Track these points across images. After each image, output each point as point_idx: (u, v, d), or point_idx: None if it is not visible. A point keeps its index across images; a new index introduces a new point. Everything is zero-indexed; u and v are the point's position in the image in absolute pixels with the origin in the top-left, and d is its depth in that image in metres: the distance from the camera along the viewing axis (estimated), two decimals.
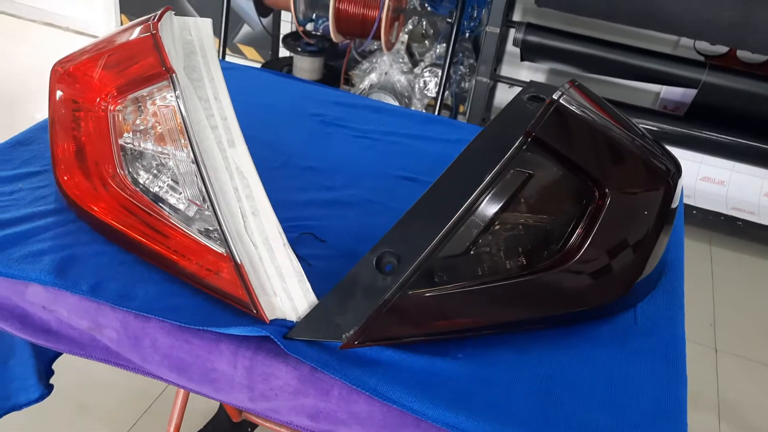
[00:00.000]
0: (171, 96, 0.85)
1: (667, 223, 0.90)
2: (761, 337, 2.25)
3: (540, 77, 2.99)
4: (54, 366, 1.31)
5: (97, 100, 0.89)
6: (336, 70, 2.90)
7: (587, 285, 0.84)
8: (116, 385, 1.80)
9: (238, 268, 0.79)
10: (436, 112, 2.44)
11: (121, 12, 3.39)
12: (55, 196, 0.97)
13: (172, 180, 0.85)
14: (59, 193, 0.96)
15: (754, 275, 2.55)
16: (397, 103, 2.65)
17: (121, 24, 3.40)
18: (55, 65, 0.95)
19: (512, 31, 2.67)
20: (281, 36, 2.98)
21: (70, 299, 0.84)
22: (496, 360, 0.80)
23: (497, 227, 0.80)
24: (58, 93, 0.94)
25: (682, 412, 0.78)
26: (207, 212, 0.82)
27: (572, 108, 0.82)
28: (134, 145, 0.89)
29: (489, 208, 0.79)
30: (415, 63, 2.77)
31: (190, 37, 0.93)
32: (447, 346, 0.81)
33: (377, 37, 2.32)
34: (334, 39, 2.41)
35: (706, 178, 2.64)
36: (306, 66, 2.73)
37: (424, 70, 2.64)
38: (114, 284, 0.84)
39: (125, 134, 0.89)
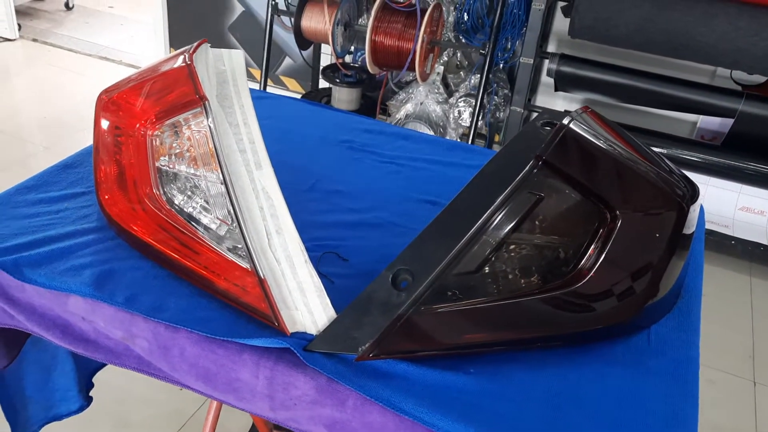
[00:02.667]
0: (204, 122, 0.91)
1: (680, 247, 0.91)
2: None
3: (575, 107, 3.00)
4: (94, 380, 1.38)
5: (137, 125, 0.96)
6: (373, 101, 2.98)
7: (598, 305, 0.86)
8: (152, 402, 1.86)
9: (262, 283, 0.84)
10: (470, 142, 2.48)
11: (171, 46, 3.54)
12: (97, 215, 1.04)
13: (203, 200, 0.91)
14: (101, 212, 1.03)
15: None
16: (432, 133, 2.70)
17: None
18: (100, 94, 1.02)
19: (546, 61, 2.70)
20: (321, 68, 3.08)
21: (106, 310, 0.90)
22: (508, 376, 0.83)
23: (509, 247, 0.83)
24: (103, 120, 1.01)
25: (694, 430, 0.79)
26: (235, 230, 0.87)
27: (582, 132, 0.85)
28: (170, 168, 0.95)
29: (500, 227, 0.82)
30: (450, 93, 2.82)
31: (223, 67, 1.00)
32: (459, 361, 0.83)
33: (412, 68, 2.38)
34: (370, 70, 2.48)
35: (746, 208, 2.60)
36: (344, 96, 2.81)
37: (459, 100, 2.69)
38: (147, 297, 0.90)
39: (162, 157, 0.96)
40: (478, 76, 2.72)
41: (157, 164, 0.96)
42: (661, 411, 0.81)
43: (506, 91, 2.83)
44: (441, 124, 2.73)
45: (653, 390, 0.83)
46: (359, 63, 2.85)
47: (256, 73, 3.43)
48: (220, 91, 0.96)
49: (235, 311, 0.88)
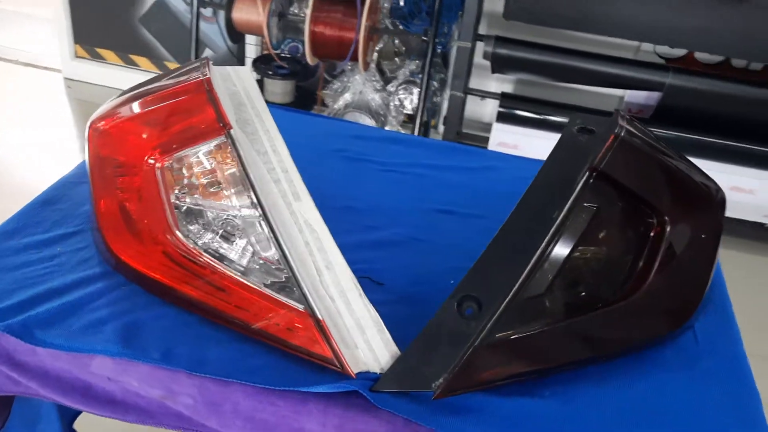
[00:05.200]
0: (229, 152, 0.83)
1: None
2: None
3: (507, 87, 3.04)
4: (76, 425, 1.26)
5: (145, 158, 0.86)
6: (306, 92, 2.88)
7: (657, 312, 0.86)
8: None
9: (320, 324, 0.78)
10: (416, 129, 2.45)
11: (76, 42, 3.28)
12: (97, 258, 0.94)
13: (238, 237, 0.83)
14: (103, 254, 0.93)
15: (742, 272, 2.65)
16: (373, 122, 2.65)
17: (76, 55, 3.29)
18: (91, 124, 0.91)
19: (479, 44, 2.70)
20: (249, 59, 2.95)
21: (141, 368, 0.81)
22: (580, 395, 0.81)
23: (572, 264, 0.81)
24: (99, 153, 0.90)
25: (764, 427, 0.80)
26: (281, 269, 0.80)
27: (632, 140, 0.84)
28: (189, 204, 0.86)
29: (563, 246, 0.80)
30: (386, 81, 2.78)
31: (234, 87, 0.91)
32: (531, 386, 0.81)
33: (354, 58, 2.32)
34: (309, 62, 2.39)
35: None
36: (278, 89, 2.70)
37: (399, 87, 2.65)
38: (184, 349, 0.81)
39: (177, 191, 0.87)
40: (416, 62, 2.69)
41: (173, 200, 0.87)
42: (730, 413, 0.82)
43: (442, 76, 2.82)
44: (381, 112, 2.68)
45: (715, 392, 0.84)
46: (285, 52, 2.75)
47: (175, 67, 3.25)
48: (239, 116, 0.88)
49: (285, 355, 0.81)
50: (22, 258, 0.92)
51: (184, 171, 0.87)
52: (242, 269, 0.83)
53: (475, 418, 0.76)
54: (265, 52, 3.02)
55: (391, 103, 2.69)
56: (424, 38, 2.37)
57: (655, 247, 0.85)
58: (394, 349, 0.81)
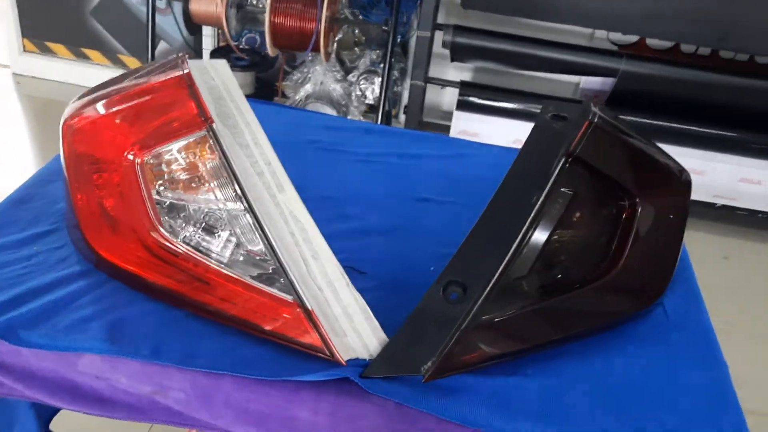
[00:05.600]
0: (211, 146, 0.83)
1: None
2: None
3: (466, 75, 3.07)
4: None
5: (124, 154, 0.86)
6: (266, 83, 2.87)
7: (631, 290, 0.90)
8: None
9: (309, 314, 0.79)
10: (379, 118, 2.47)
11: (24, 36, 3.18)
12: (76, 257, 0.93)
13: (221, 230, 0.84)
14: (83, 252, 0.92)
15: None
16: (335, 112, 2.65)
17: (24, 50, 3.20)
18: (65, 121, 0.90)
19: (438, 33, 2.73)
20: (206, 51, 2.91)
21: (130, 365, 0.81)
22: (561, 371, 0.84)
23: (552, 246, 0.84)
24: (74, 150, 0.89)
25: (733, 397, 0.84)
26: (267, 261, 0.81)
27: (605, 126, 0.87)
28: (171, 198, 0.86)
29: (543, 230, 0.83)
30: (346, 71, 2.78)
31: (213, 81, 0.91)
32: (515, 365, 0.84)
33: (316, 48, 2.31)
34: (270, 53, 2.38)
35: None
36: (237, 81, 2.67)
37: (360, 77, 2.65)
38: (174, 343, 0.82)
39: (157, 187, 0.86)
40: (376, 52, 2.70)
41: (154, 196, 0.86)
42: (701, 380, 0.86)
43: (402, 65, 2.83)
44: (343, 102, 2.68)
45: (686, 362, 0.89)
46: (243, 44, 2.73)
47: (130, 61, 3.18)
48: (219, 109, 0.88)
49: (275, 346, 0.82)
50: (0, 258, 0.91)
51: (165, 166, 0.87)
52: (227, 262, 0.84)
53: (464, 399, 0.79)
54: (223, 43, 2.99)
55: (353, 93, 2.70)
56: (385, 28, 2.38)
57: (627, 228, 0.89)
58: (382, 336, 0.83)
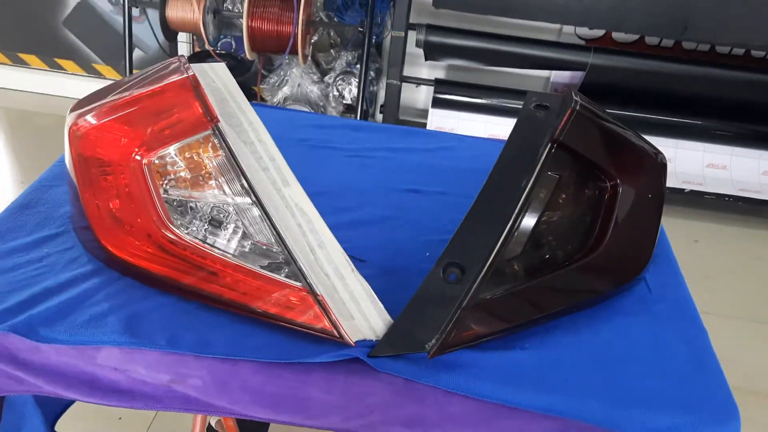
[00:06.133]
0: (217, 145, 0.87)
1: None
2: None
3: (439, 73, 3.13)
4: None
5: (131, 155, 0.89)
6: (244, 87, 2.89)
7: (615, 266, 0.96)
8: None
9: (318, 299, 0.84)
10: (358, 117, 2.51)
11: None
12: (87, 257, 0.96)
13: (229, 224, 0.88)
14: (94, 251, 0.95)
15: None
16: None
17: None
18: (70, 128, 0.93)
19: (411, 33, 2.78)
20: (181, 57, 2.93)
21: (148, 356, 0.84)
22: (556, 344, 0.90)
23: (542, 227, 0.90)
24: (81, 154, 0.92)
25: (714, 361, 0.91)
26: (276, 251, 0.86)
27: (586, 113, 0.93)
28: (179, 196, 0.90)
29: (533, 212, 0.89)
30: (322, 72, 2.82)
31: (214, 83, 0.95)
32: (511, 340, 0.89)
33: (294, 51, 2.36)
34: (248, 57, 2.42)
35: None
36: None
37: (337, 78, 2.70)
38: (189, 334, 0.85)
39: (166, 186, 0.90)
40: (352, 53, 2.74)
41: (162, 195, 0.90)
42: (684, 348, 0.92)
43: (377, 65, 2.88)
44: (320, 103, 2.73)
45: (669, 331, 0.95)
46: (219, 49, 2.75)
47: (104, 70, 3.19)
48: (223, 109, 0.92)
49: (286, 332, 0.86)
50: (10, 261, 0.94)
51: (171, 165, 0.91)
52: (236, 254, 0.88)
53: (468, 372, 0.84)
54: (197, 50, 3.01)
55: (330, 94, 2.74)
56: (361, 29, 2.43)
57: (609, 208, 0.95)
58: (387, 317, 0.87)
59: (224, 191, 0.88)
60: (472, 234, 0.89)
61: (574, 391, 0.83)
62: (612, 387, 0.84)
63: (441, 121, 2.85)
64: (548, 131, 0.92)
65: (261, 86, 2.89)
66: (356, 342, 0.85)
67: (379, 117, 3.06)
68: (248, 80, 2.89)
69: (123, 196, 0.91)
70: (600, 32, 3.01)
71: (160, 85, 0.90)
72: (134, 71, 3.23)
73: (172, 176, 0.91)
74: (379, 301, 0.88)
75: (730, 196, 2.79)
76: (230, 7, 2.53)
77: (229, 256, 0.87)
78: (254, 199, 0.85)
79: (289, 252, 0.84)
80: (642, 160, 1.00)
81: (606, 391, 0.83)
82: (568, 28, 3.00)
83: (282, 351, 0.84)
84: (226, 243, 0.88)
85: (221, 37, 2.68)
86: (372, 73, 2.82)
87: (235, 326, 0.87)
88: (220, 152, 0.87)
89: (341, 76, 2.72)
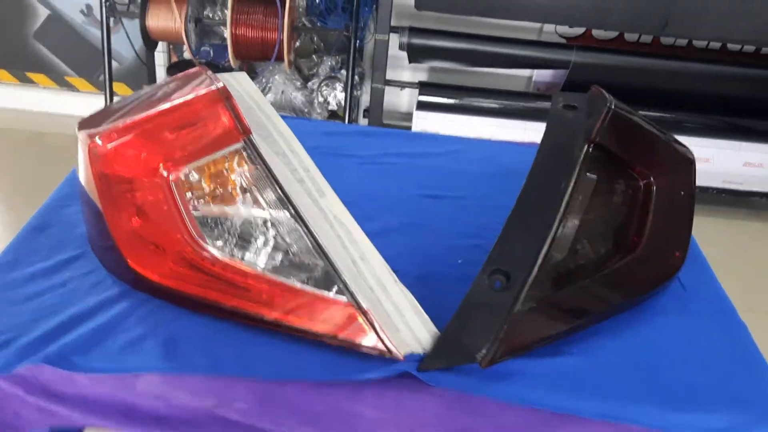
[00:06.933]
0: (250, 157, 0.84)
1: None
2: None
3: (421, 76, 3.12)
4: None
5: (157, 171, 0.86)
6: None
7: (655, 264, 0.95)
8: None
9: (365, 314, 0.81)
10: (347, 122, 2.49)
11: None
12: (111, 279, 0.92)
13: (265, 239, 0.85)
14: (119, 273, 0.91)
15: None
16: None
17: None
18: (89, 144, 0.89)
19: (393, 36, 2.76)
20: (160, 68, 2.87)
21: (190, 381, 0.81)
22: (600, 349, 0.89)
23: (583, 229, 0.89)
24: (103, 172, 0.88)
25: (759, 357, 0.91)
26: (318, 265, 0.83)
27: (620, 113, 0.92)
28: (211, 212, 0.87)
29: (575, 214, 0.87)
30: (305, 78, 2.79)
31: (238, 93, 0.92)
32: (558, 345, 0.88)
33: (279, 57, 2.32)
34: (233, 64, 2.37)
35: None
36: None
37: (321, 84, 2.67)
38: (231, 355, 0.82)
39: (196, 201, 0.87)
40: (335, 58, 2.72)
41: (192, 211, 0.87)
42: (725, 343, 0.92)
43: (360, 69, 2.86)
44: (305, 110, 2.69)
45: (710, 330, 0.94)
46: (198, 58, 2.70)
47: (78, 82, 3.10)
48: (251, 120, 0.88)
49: (331, 348, 0.83)
50: (32, 288, 0.89)
51: (201, 180, 0.87)
52: (275, 270, 0.85)
53: (520, 381, 0.82)
54: (175, 60, 2.95)
55: (315, 100, 2.71)
56: (346, 33, 2.40)
57: (645, 206, 0.94)
58: (432, 328, 0.85)
59: (259, 205, 0.85)
60: (515, 240, 0.87)
61: (629, 396, 0.82)
62: (664, 389, 0.83)
63: (426, 123, 2.83)
64: (583, 131, 0.91)
65: None
66: (404, 355, 0.83)
67: (363, 121, 3.03)
68: None
69: (150, 215, 0.87)
70: (580, 30, 3.02)
71: (186, 97, 0.87)
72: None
73: (202, 191, 0.87)
74: (423, 312, 0.86)
75: (714, 189, 2.83)
76: (210, 15, 2.48)
77: (267, 272, 0.84)
78: (293, 212, 0.82)
79: (333, 266, 0.81)
80: (672, 156, 0.99)
81: (659, 393, 0.82)
82: (549, 27, 3.01)
83: (330, 369, 0.81)
84: (262, 259, 0.85)
85: (213, 46, 2.62)
86: (356, 78, 2.79)
87: (278, 345, 0.84)
88: (254, 165, 0.84)
89: (326, 82, 2.69)
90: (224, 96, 0.83)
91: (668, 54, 2.96)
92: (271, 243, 0.85)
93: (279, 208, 0.83)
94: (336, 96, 2.69)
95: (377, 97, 2.75)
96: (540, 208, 0.88)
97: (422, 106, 2.83)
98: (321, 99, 2.70)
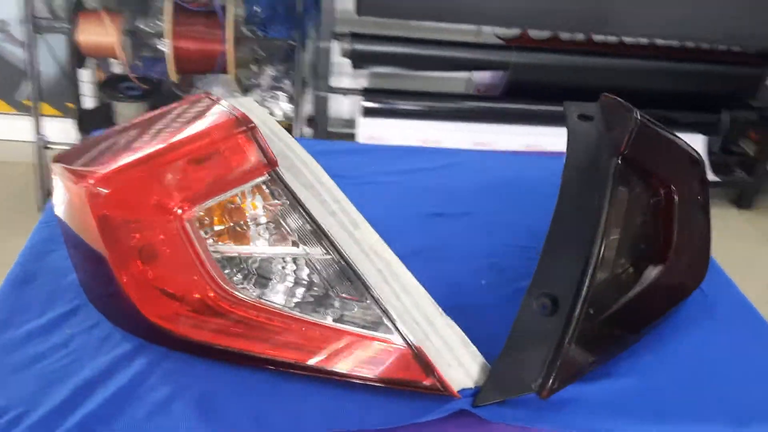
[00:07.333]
0: (277, 191, 0.77)
1: None
2: None
3: (362, 82, 3.07)
4: None
5: (170, 211, 0.77)
6: None
7: (685, 272, 0.95)
8: None
9: (416, 353, 0.76)
10: (293, 133, 2.41)
11: None
12: (120, 333, 0.83)
13: (302, 279, 0.78)
14: (129, 326, 0.82)
15: None
16: None
17: None
18: (86, 184, 0.79)
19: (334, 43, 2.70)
20: (87, 84, 2.69)
21: None
22: (648, 367, 0.87)
23: (621, 245, 0.87)
24: (105, 215, 0.79)
25: None
26: (364, 304, 0.77)
27: (645, 124, 0.91)
28: (236, 252, 0.79)
29: (614, 231, 0.85)
30: (245, 90, 2.69)
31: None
32: (604, 368, 0.85)
33: (224, 69, 2.22)
34: (173, 79, 2.25)
35: (534, 146, 2.94)
36: (132, 112, 2.50)
37: (266, 95, 2.57)
38: (276, 410, 0.75)
39: (217, 242, 0.79)
40: (278, 68, 2.63)
41: (212, 252, 0.79)
42: (759, 342, 0.92)
43: (302, 78, 2.78)
44: None
45: (742, 336, 0.94)
46: (149, 73, 2.56)
47: None
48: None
49: (379, 391, 0.78)
50: (30, 351, 0.79)
51: (221, 218, 0.80)
52: (313, 311, 0.78)
53: (578, 409, 0.79)
54: (103, 76, 2.77)
55: None
56: (292, 42, 2.32)
57: (670, 214, 0.93)
58: (482, 360, 0.81)
59: (290, 242, 0.78)
60: (556, 261, 0.84)
61: (691, 416, 0.80)
62: (722, 404, 0.82)
63: (372, 130, 2.78)
64: (609, 144, 0.89)
65: None
66: (459, 391, 0.78)
67: (307, 131, 2.95)
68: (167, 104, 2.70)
69: (164, 258, 0.79)
70: (517, 31, 3.06)
71: (200, 128, 0.79)
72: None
73: (222, 229, 0.80)
74: (471, 344, 0.81)
75: None
76: (143, 27, 2.34)
77: (304, 314, 0.78)
78: (329, 248, 0.76)
79: (378, 303, 0.76)
80: (687, 161, 0.99)
81: (719, 409, 0.81)
82: (487, 28, 3.02)
83: (386, 415, 0.75)
84: (296, 300, 0.78)
85: (151, 61, 2.47)
86: (301, 87, 2.71)
87: (324, 392, 0.78)
88: (281, 199, 0.77)
89: (270, 93, 2.59)
90: (246, 125, 0.76)
91: (601, 51, 3.03)
92: (306, 282, 0.79)
93: (314, 243, 0.77)
94: (281, 107, 2.61)
95: (322, 105, 2.67)
96: (577, 226, 0.85)
97: (368, 112, 2.78)
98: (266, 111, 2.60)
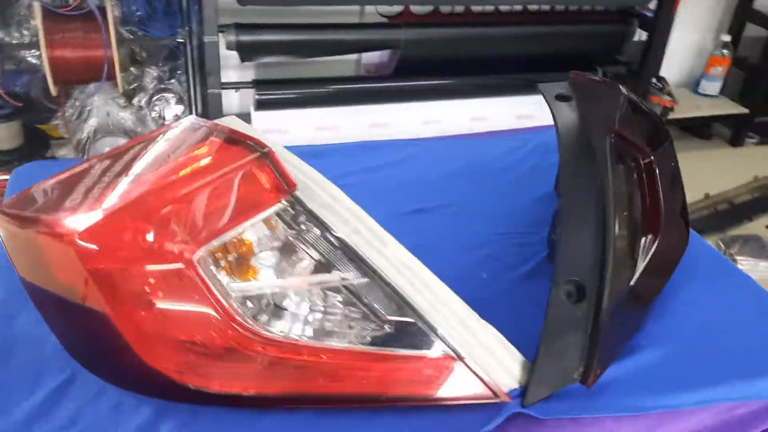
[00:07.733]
0: (297, 217, 0.71)
1: None
2: None
3: (249, 74, 2.94)
4: None
5: (180, 253, 0.69)
6: (35, 130, 2.44)
7: (677, 234, 0.98)
8: None
9: (464, 362, 0.73)
10: None
11: None
12: (133, 398, 0.73)
13: (341, 304, 0.73)
14: (147, 387, 0.73)
15: None
16: None
17: None
18: (67, 237, 0.68)
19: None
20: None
21: None
22: (664, 334, 0.89)
23: (629, 219, 0.88)
24: (100, 270, 0.69)
25: None
26: (404, 321, 0.73)
27: (630, 99, 0.93)
28: (256, 288, 0.72)
29: (620, 208, 0.86)
30: (127, 95, 2.49)
31: None
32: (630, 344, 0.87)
33: (111, 76, 2.04)
34: (52, 92, 2.04)
35: (431, 121, 2.96)
36: (3, 135, 2.25)
37: (153, 98, 2.40)
38: None
39: (232, 280, 0.72)
40: (163, 68, 2.46)
41: (231, 292, 0.71)
42: (749, 298, 0.98)
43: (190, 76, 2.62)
44: (138, 130, 2.42)
45: (721, 288, 1.00)
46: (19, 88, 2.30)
47: None
48: None
49: (427, 410, 0.75)
50: (45, 427, 0.68)
51: (232, 253, 0.72)
52: (351, 339, 0.73)
53: (620, 390, 0.80)
54: None
55: (147, 117, 2.44)
56: (180, 40, 2.17)
57: (654, 184, 0.96)
58: (521, 358, 0.79)
59: (318, 270, 0.72)
60: (575, 247, 0.84)
61: (717, 377, 0.83)
62: (740, 359, 0.86)
63: (268, 123, 2.68)
64: (601, 123, 0.90)
65: (54, 124, 2.46)
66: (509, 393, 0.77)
67: None
68: (43, 121, 2.44)
69: (174, 305, 0.70)
70: (399, 8, 3.05)
71: (201, 159, 0.71)
72: None
73: (238, 265, 0.73)
74: (509, 344, 0.79)
75: None
76: (4, 38, 2.10)
77: (343, 344, 0.73)
78: (364, 269, 0.71)
79: (422, 318, 0.72)
80: (659, 129, 1.02)
81: (738, 365, 0.85)
82: (370, 8, 2.99)
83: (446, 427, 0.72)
84: (336, 329, 0.73)
85: (23, 74, 2.22)
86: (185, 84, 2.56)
87: (374, 422, 0.73)
88: (304, 224, 0.71)
89: (157, 96, 2.42)
90: (259, 151, 0.69)
91: (481, 21, 3.09)
92: (339, 309, 0.73)
93: (348, 268, 0.72)
94: (172, 109, 2.45)
95: (215, 102, 2.54)
96: (585, 207, 0.86)
97: (261, 105, 2.68)
98: (155, 114, 2.43)
